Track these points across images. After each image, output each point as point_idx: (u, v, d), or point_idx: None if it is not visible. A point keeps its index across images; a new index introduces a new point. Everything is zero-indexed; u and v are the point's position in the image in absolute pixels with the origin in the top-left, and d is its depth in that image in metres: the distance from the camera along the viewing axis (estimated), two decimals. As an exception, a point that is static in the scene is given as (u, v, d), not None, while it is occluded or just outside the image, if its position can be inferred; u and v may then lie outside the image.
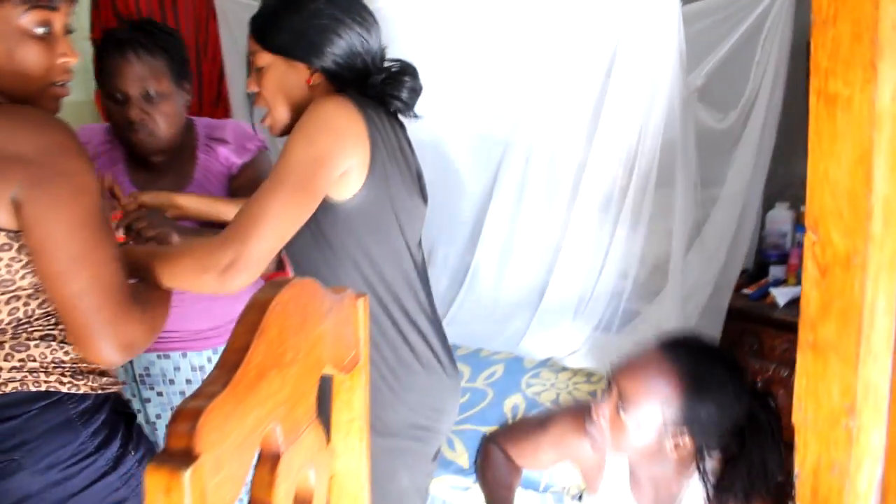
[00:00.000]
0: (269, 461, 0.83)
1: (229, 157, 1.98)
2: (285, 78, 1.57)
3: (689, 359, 1.61)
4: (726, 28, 2.44)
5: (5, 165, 1.16)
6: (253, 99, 1.65)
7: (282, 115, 1.59)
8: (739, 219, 2.46)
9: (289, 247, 1.54)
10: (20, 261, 1.21)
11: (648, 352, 1.65)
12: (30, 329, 1.27)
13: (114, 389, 1.37)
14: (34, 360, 1.27)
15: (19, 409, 1.26)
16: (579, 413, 1.78)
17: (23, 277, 1.23)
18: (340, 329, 1.04)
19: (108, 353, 1.22)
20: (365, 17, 1.62)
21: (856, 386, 0.77)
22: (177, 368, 1.92)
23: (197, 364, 1.94)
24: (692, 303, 2.41)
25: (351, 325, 1.07)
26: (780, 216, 2.66)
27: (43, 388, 1.27)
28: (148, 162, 1.90)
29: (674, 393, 1.56)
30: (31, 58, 1.24)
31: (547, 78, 2.31)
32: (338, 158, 1.49)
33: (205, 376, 1.90)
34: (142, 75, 1.80)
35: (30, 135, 1.18)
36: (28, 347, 1.27)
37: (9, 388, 1.26)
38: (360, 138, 1.52)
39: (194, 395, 0.69)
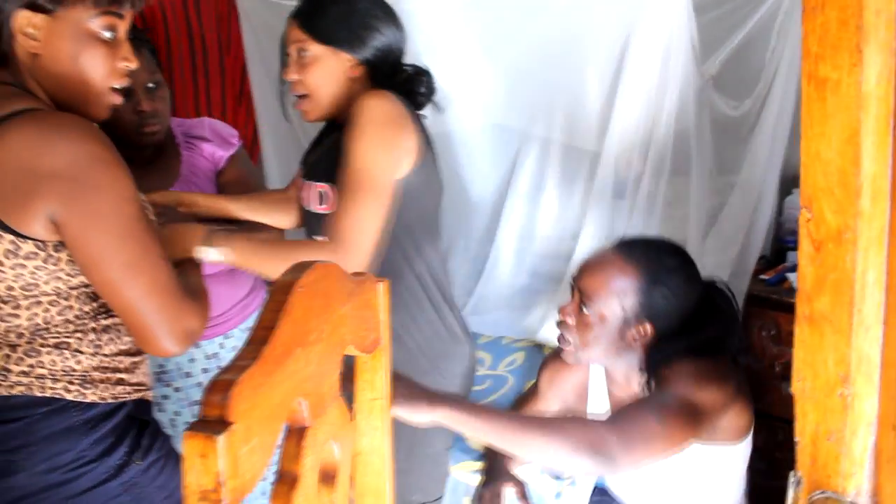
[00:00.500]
0: (295, 434, 0.89)
1: (214, 151, 2.04)
2: (331, 68, 1.73)
3: (641, 252, 1.73)
4: (741, 16, 2.45)
5: (40, 182, 1.19)
6: (287, 86, 1.77)
7: (322, 102, 1.74)
8: (756, 205, 2.47)
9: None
10: (46, 269, 1.25)
11: (604, 251, 1.78)
12: (46, 336, 1.30)
13: (133, 397, 1.40)
14: (43, 367, 1.30)
15: (24, 412, 1.30)
16: (556, 354, 1.92)
17: (47, 283, 1.26)
18: (362, 311, 1.09)
19: (172, 346, 1.29)
20: (397, 17, 1.79)
21: (849, 356, 0.81)
22: (191, 360, 1.97)
23: (210, 352, 1.99)
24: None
25: (372, 308, 1.12)
26: (797, 202, 2.65)
27: (48, 394, 1.31)
28: (132, 161, 1.92)
29: (630, 283, 1.68)
30: (96, 60, 1.29)
31: (561, 67, 2.35)
32: (403, 153, 1.70)
33: (219, 363, 1.97)
34: (145, 69, 1.86)
35: (63, 148, 1.20)
36: (40, 354, 1.30)
37: (15, 391, 1.30)
38: (413, 131, 1.72)
39: (226, 369, 0.74)
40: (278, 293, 0.86)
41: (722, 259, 2.46)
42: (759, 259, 2.61)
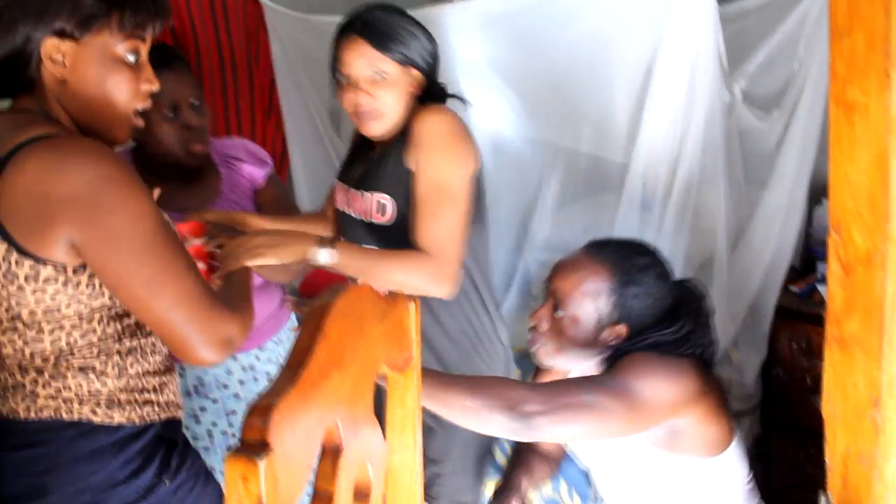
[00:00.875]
0: (331, 454, 0.91)
1: (252, 171, 2.07)
2: (405, 86, 1.79)
3: (612, 252, 1.73)
4: (768, 27, 2.45)
5: (55, 207, 1.20)
6: (337, 106, 1.87)
7: (395, 120, 1.80)
8: (785, 216, 2.46)
9: (395, 233, 1.79)
10: (66, 293, 1.26)
11: (576, 253, 1.77)
12: (70, 359, 1.31)
13: (162, 417, 1.41)
14: (69, 390, 1.31)
15: (52, 435, 1.31)
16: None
17: (68, 306, 1.28)
18: (394, 331, 1.11)
19: (209, 355, 1.29)
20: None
21: (880, 379, 0.81)
22: (229, 372, 1.99)
23: (247, 363, 2.01)
24: (739, 301, 2.43)
25: (404, 328, 1.14)
26: (827, 212, 2.65)
27: (75, 417, 1.31)
28: (171, 180, 1.93)
29: (602, 284, 1.68)
30: (121, 84, 1.32)
31: (589, 80, 2.36)
32: (472, 161, 1.79)
33: (255, 375, 2.00)
34: (188, 86, 1.90)
35: (75, 173, 1.21)
36: (65, 377, 1.31)
37: (44, 415, 1.31)
38: (473, 139, 1.82)
39: (265, 393, 0.76)
40: (315, 316, 0.88)
41: (751, 271, 2.45)
42: (789, 270, 2.60)
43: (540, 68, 2.39)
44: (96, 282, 1.28)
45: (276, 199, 2.11)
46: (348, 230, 1.92)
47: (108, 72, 1.30)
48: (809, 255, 2.73)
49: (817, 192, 2.65)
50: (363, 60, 1.75)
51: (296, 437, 0.77)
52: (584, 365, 1.75)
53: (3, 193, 1.21)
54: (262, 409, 0.73)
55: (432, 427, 1.86)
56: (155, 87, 1.38)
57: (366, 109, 1.78)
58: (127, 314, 1.35)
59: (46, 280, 1.24)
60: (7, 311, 1.28)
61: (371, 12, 1.81)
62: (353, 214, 1.89)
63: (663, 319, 1.68)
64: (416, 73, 1.80)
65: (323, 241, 1.64)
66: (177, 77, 1.88)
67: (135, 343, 1.37)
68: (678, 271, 2.39)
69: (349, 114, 1.85)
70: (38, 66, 1.28)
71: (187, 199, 1.94)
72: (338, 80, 1.83)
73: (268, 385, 0.79)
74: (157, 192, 1.76)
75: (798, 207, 2.49)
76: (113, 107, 1.33)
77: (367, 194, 1.84)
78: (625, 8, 2.22)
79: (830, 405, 0.86)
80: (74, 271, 1.26)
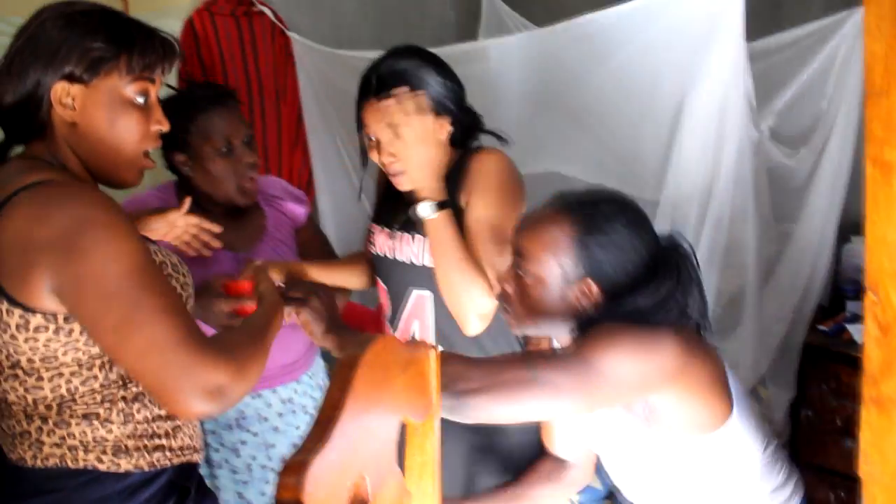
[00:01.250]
0: (358, 508, 0.90)
1: (294, 209, 2.09)
2: (437, 134, 1.75)
3: (575, 201, 1.54)
4: (796, 64, 2.45)
5: (35, 254, 1.17)
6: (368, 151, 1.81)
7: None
8: (814, 254, 2.44)
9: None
10: (59, 341, 1.23)
11: (539, 207, 1.59)
12: (74, 406, 1.28)
13: (175, 462, 1.37)
14: (74, 438, 1.28)
15: (59, 483, 1.29)
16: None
17: (65, 354, 1.24)
18: (416, 380, 1.11)
19: (195, 405, 1.16)
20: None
21: (920, 441, 0.80)
22: (268, 405, 2.00)
23: (286, 396, 2.02)
24: (768, 339, 2.40)
25: (425, 376, 1.14)
26: (857, 250, 2.63)
27: (81, 465, 1.29)
28: (218, 217, 1.92)
29: (564, 235, 1.49)
30: (130, 125, 1.31)
31: (618, 118, 2.36)
32: (524, 207, 1.79)
33: (293, 407, 2.00)
34: (241, 122, 1.92)
35: (57, 218, 1.18)
36: (70, 425, 1.28)
37: (50, 463, 1.29)
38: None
39: (298, 450, 0.76)
40: (343, 369, 0.88)
41: (780, 308, 2.43)
42: (817, 308, 2.57)
43: (569, 107, 2.40)
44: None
45: (314, 239, 2.14)
46: (393, 275, 1.88)
47: (117, 114, 1.30)
48: (838, 293, 2.70)
49: (846, 230, 2.63)
50: (382, 122, 1.72)
51: (327, 493, 0.77)
52: (559, 332, 1.57)
53: None
54: (295, 468, 0.73)
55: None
56: (165, 127, 1.36)
57: (392, 169, 1.76)
58: None
59: (37, 329, 1.21)
60: (7, 358, 1.26)
61: (385, 65, 1.78)
62: (399, 259, 1.85)
63: (641, 280, 1.46)
64: (447, 119, 1.77)
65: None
66: (230, 113, 1.91)
67: (141, 388, 1.32)
68: (708, 309, 2.37)
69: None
70: (48, 111, 1.28)
71: (234, 238, 1.94)
72: (363, 141, 1.82)
73: (306, 427, 0.79)
74: (186, 203, 1.74)
75: (827, 245, 2.47)
76: (122, 148, 1.32)
77: (420, 237, 1.80)
78: (655, 47, 2.22)
79: (868, 465, 0.84)
80: (66, 319, 1.22)
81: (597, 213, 1.49)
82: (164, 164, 1.98)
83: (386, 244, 1.87)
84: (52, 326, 1.21)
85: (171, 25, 3.42)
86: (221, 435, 2.01)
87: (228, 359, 1.19)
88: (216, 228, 1.81)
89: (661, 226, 2.33)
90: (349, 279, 2.03)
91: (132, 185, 1.39)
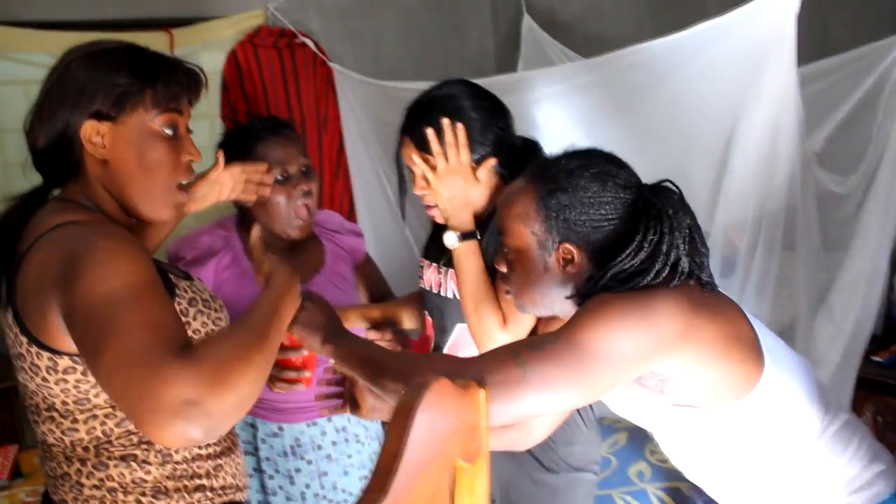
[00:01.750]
0: (415, 556, 0.89)
1: (353, 243, 2.10)
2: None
3: (540, 164, 1.45)
4: (846, 88, 2.41)
5: (47, 293, 1.15)
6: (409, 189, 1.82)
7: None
8: (867, 283, 2.39)
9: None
10: (88, 381, 1.21)
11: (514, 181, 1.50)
12: (110, 448, 1.27)
13: (216, 502, 1.35)
14: (113, 480, 1.27)
15: None
16: None
17: (97, 395, 1.23)
18: (467, 423, 1.09)
19: (165, 426, 0.96)
20: (502, 104, 1.82)
21: None
22: (323, 433, 2.00)
23: (339, 425, 2.02)
24: (820, 370, 2.35)
25: (476, 418, 1.12)
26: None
27: None
28: (276, 249, 1.96)
29: (529, 201, 1.39)
30: (160, 157, 1.30)
31: (667, 145, 2.34)
32: None
33: (346, 436, 2.00)
34: (298, 152, 1.94)
35: (62, 255, 1.16)
36: (108, 467, 1.27)
37: None
38: None
39: (360, 500, 0.75)
40: (400, 417, 0.87)
41: (832, 339, 2.37)
42: (871, 338, 2.51)
43: (614, 136, 2.38)
44: None
45: (373, 274, 2.16)
46: (439, 309, 1.88)
47: (146, 148, 1.29)
48: (892, 323, 2.63)
49: (900, 259, 2.58)
50: (412, 160, 1.74)
51: (386, 547, 0.76)
52: (563, 308, 1.45)
53: (19, 285, 1.20)
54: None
55: None
56: (196, 158, 1.36)
57: (425, 201, 1.78)
58: None
59: (66, 371, 1.20)
60: (43, 400, 1.26)
61: (426, 97, 1.79)
62: (447, 295, 1.85)
63: (622, 237, 1.33)
64: (479, 153, 1.74)
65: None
66: (286, 142, 1.93)
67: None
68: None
69: None
70: (80, 151, 1.28)
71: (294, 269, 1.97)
72: (401, 169, 1.86)
73: (357, 456, 0.78)
74: (256, 232, 1.61)
75: (880, 274, 2.42)
76: (154, 182, 1.31)
77: None
78: (704, 76, 2.19)
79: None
80: None
81: (558, 170, 1.39)
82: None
83: (433, 279, 1.89)
84: (80, 368, 1.20)
85: (216, 58, 3.48)
86: (277, 462, 2.01)
87: (196, 369, 1.00)
88: (262, 166, 1.82)
89: (713, 255, 2.31)
90: (408, 319, 2.04)
91: (167, 219, 1.39)
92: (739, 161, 2.20)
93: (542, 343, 1.30)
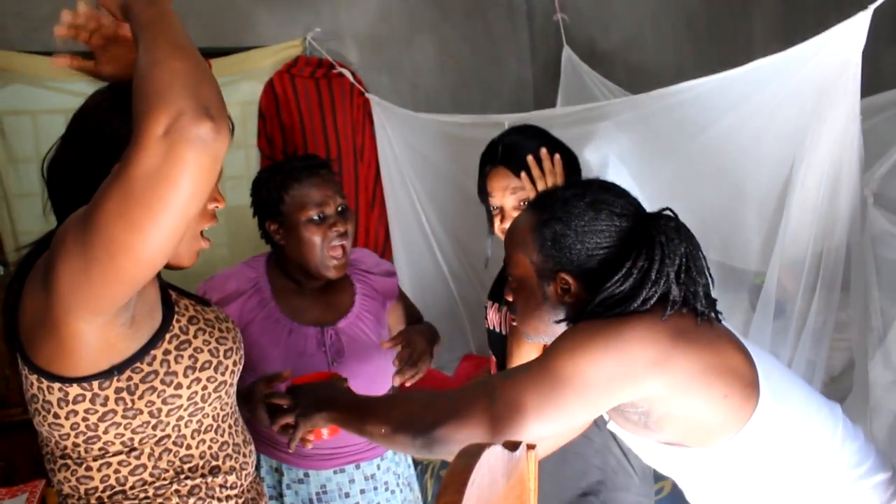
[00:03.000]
0: None
1: (385, 285, 2.05)
2: None
3: (540, 196, 1.48)
4: (901, 125, 2.33)
5: (40, 311, 1.14)
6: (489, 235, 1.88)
7: None
8: (926, 327, 2.29)
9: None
10: (96, 411, 1.19)
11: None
12: (123, 500, 1.24)
13: None
14: None
15: None
16: None
17: (106, 431, 1.20)
18: (517, 486, 1.05)
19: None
20: None
21: None
22: (351, 481, 1.95)
23: (368, 473, 1.96)
24: (877, 420, 2.24)
25: (524, 481, 1.08)
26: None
27: None
28: (307, 289, 1.96)
29: (527, 232, 1.41)
30: None
31: (717, 189, 2.28)
32: None
33: (375, 483, 1.94)
34: (335, 192, 1.90)
35: (42, 271, 1.14)
36: None
37: None
38: None
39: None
40: (453, 483, 0.81)
41: (889, 386, 2.27)
42: (929, 384, 2.40)
43: (661, 175, 2.32)
44: (125, 396, 1.19)
45: (406, 311, 2.13)
46: (502, 349, 1.87)
47: None
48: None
49: (959, 302, 2.47)
50: (508, 189, 1.77)
51: None
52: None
53: (22, 324, 1.18)
54: None
55: None
56: (221, 204, 1.31)
57: None
58: (181, 444, 1.26)
59: (76, 400, 1.18)
60: (56, 445, 1.24)
61: (510, 136, 1.82)
62: (506, 333, 1.84)
63: (615, 264, 1.33)
64: (558, 157, 1.77)
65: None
66: (323, 182, 1.90)
67: (198, 482, 1.28)
68: (816, 385, 2.23)
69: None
70: None
71: (320, 312, 1.95)
72: (489, 209, 1.86)
73: None
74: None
75: (939, 318, 2.32)
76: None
77: None
78: (760, 113, 2.12)
79: None
80: (101, 385, 1.17)
81: (554, 201, 1.41)
82: (259, 233, 1.99)
83: (495, 319, 1.88)
84: (88, 395, 1.18)
85: (253, 87, 3.49)
86: None
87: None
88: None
89: (765, 299, 2.22)
90: None
91: (188, 266, 1.33)
92: (798, 202, 2.12)
93: (514, 372, 1.36)
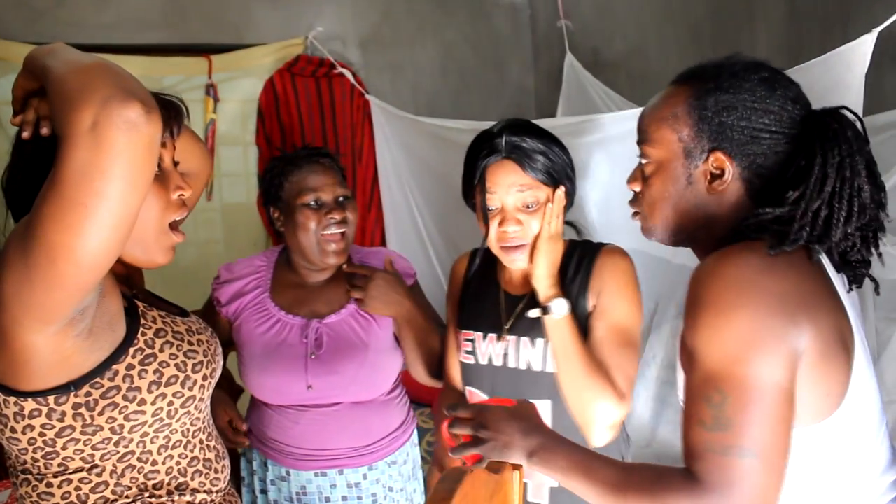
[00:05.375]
0: None
1: None
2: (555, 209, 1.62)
3: (700, 66, 1.25)
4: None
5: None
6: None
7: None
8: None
9: None
10: (52, 426, 1.15)
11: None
12: None
13: None
14: None
15: None
16: None
17: (64, 447, 1.16)
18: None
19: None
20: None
21: None
22: (333, 486, 1.93)
23: (353, 481, 1.94)
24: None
25: (509, 499, 1.06)
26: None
27: None
28: (304, 284, 1.96)
29: (681, 102, 1.21)
30: (149, 197, 1.19)
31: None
32: None
33: (359, 493, 1.92)
34: (334, 181, 1.89)
35: None
36: None
37: None
38: None
39: None
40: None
41: (887, 406, 2.26)
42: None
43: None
44: (84, 412, 1.15)
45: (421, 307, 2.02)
46: (501, 383, 1.70)
47: None
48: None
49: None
50: (514, 186, 1.58)
51: None
52: (699, 246, 1.27)
53: None
54: None
55: None
56: (187, 192, 1.26)
57: (513, 239, 1.61)
58: (147, 461, 1.22)
59: (31, 414, 1.13)
60: (17, 459, 1.20)
61: (512, 128, 1.62)
62: (512, 365, 1.68)
63: (787, 161, 1.13)
64: (561, 193, 1.62)
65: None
66: (323, 170, 1.90)
67: (164, 500, 1.24)
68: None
69: (490, 246, 1.66)
70: None
71: (315, 306, 1.93)
72: (480, 210, 1.65)
73: None
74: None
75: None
76: (145, 225, 1.21)
77: (541, 341, 1.63)
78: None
79: None
80: (56, 400, 1.13)
81: (721, 71, 1.20)
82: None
83: (491, 350, 1.71)
84: (44, 410, 1.13)
85: (254, 85, 3.47)
86: None
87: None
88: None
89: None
90: None
91: (165, 263, 1.28)
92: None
93: (726, 414, 1.03)
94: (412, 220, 3.57)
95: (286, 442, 1.91)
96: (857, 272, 1.20)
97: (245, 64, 3.46)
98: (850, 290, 1.22)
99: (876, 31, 1.82)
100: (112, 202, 0.95)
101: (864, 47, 1.84)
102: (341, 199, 1.91)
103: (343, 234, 1.89)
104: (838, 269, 1.18)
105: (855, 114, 1.17)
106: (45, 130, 1.13)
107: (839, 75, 1.88)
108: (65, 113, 0.94)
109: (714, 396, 1.04)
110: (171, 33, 3.31)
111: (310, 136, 3.55)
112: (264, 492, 1.97)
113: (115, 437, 1.18)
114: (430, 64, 3.84)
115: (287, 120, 3.53)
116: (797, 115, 1.16)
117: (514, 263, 1.64)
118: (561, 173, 1.63)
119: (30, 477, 1.20)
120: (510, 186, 1.58)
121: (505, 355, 1.69)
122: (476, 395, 1.74)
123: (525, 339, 1.66)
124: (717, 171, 1.18)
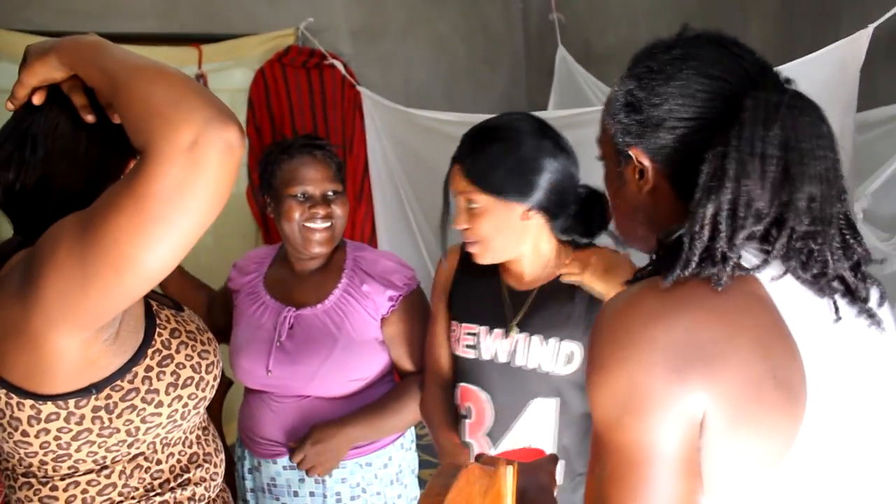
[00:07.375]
0: None
1: (377, 299, 1.93)
2: (501, 218, 1.58)
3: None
4: (893, 141, 2.32)
5: (15, 320, 1.06)
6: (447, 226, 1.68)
7: (495, 248, 1.62)
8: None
9: (579, 385, 1.61)
10: (70, 430, 1.12)
11: None
12: None
13: None
14: None
15: None
16: None
17: (78, 449, 1.14)
18: (494, 499, 1.02)
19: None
20: (565, 145, 1.62)
21: None
22: (301, 480, 1.92)
23: (319, 478, 1.93)
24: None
25: (502, 493, 1.05)
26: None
27: None
28: (291, 275, 1.94)
29: (614, 93, 1.04)
30: None
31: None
32: None
33: (325, 491, 1.90)
34: (325, 177, 1.87)
35: (18, 277, 1.07)
36: None
37: None
38: None
39: None
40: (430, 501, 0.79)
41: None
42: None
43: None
44: (103, 415, 1.13)
45: (401, 333, 1.93)
46: (506, 382, 1.66)
47: None
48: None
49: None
50: (460, 192, 1.60)
51: None
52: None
53: None
54: None
55: None
56: None
57: (467, 238, 1.62)
58: (154, 460, 1.21)
59: (49, 418, 1.11)
60: (20, 462, 1.16)
61: (480, 133, 1.62)
62: (519, 364, 1.64)
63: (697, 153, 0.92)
64: (517, 205, 1.57)
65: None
66: (313, 163, 1.86)
67: (166, 497, 1.22)
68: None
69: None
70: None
71: (299, 295, 1.90)
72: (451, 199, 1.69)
73: None
74: None
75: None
76: None
77: (554, 340, 1.61)
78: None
79: None
80: (77, 404, 1.11)
81: (634, 59, 1.03)
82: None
83: (497, 346, 1.67)
84: (63, 413, 1.11)
85: (244, 75, 3.45)
86: (258, 496, 1.98)
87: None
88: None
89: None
90: None
91: None
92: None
93: (605, 489, 0.86)
94: (402, 211, 3.56)
95: (254, 430, 1.92)
96: (832, 287, 0.91)
97: (235, 54, 3.43)
98: (867, 309, 0.94)
99: (871, 26, 1.82)
100: (195, 219, 0.93)
101: (859, 43, 1.84)
102: (330, 193, 1.88)
103: (328, 229, 1.87)
104: (823, 292, 0.91)
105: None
106: (37, 99, 1.10)
107: (834, 71, 1.88)
108: (154, 127, 0.92)
109: (596, 466, 0.88)
110: (161, 23, 3.28)
111: (300, 126, 3.54)
112: (243, 479, 2.00)
113: (130, 440, 1.17)
114: (421, 56, 3.82)
115: (277, 111, 3.51)
116: (726, 93, 0.93)
117: (477, 259, 1.64)
118: (502, 185, 1.57)
119: (32, 480, 1.18)
120: (458, 192, 1.60)
121: (513, 352, 1.65)
122: (471, 391, 1.71)
123: (537, 338, 1.62)
124: (641, 168, 1.00)
